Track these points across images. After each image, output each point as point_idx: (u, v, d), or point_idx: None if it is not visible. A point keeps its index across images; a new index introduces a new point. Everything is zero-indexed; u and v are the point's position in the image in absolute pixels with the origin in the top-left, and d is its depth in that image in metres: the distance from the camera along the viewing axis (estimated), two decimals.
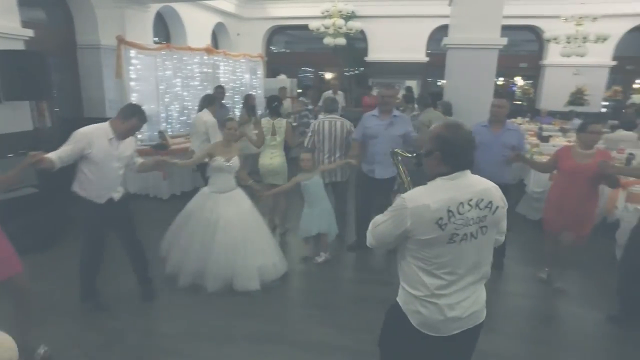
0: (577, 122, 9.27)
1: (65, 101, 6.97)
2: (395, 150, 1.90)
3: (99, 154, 3.01)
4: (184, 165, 3.94)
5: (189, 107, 8.00)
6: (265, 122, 4.93)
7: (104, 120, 3.21)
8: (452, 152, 1.63)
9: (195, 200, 3.83)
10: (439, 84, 12.77)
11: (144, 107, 3.28)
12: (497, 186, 1.73)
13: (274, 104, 5.00)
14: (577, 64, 10.39)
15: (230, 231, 3.63)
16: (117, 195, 3.25)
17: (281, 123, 4.93)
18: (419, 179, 1.76)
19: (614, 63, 10.83)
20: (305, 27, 9.58)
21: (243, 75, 9.89)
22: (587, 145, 3.50)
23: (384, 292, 3.80)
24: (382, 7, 11.17)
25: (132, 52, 6.60)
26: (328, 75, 14.35)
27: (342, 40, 9.46)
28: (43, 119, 5.54)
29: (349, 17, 9.62)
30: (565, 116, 9.96)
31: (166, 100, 7.39)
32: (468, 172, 1.67)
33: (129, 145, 3.24)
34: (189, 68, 7.89)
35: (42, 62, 5.07)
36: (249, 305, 3.52)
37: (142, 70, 6.80)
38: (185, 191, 6.30)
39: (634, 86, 11.80)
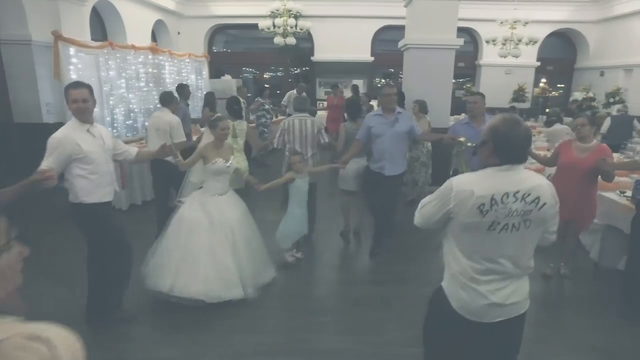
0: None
1: None
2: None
3: (90, 150, 2.86)
4: (181, 164, 3.55)
5: (135, 110, 7.42)
6: None
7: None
8: (505, 146, 1.67)
9: (193, 207, 3.45)
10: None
11: None
12: (550, 184, 1.76)
13: (235, 106, 4.77)
14: (508, 64, 11.27)
15: (243, 233, 3.48)
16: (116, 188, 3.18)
17: (242, 125, 4.72)
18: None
19: (538, 64, 11.93)
20: (246, 26, 9.34)
21: (189, 75, 9.40)
22: (580, 138, 3.66)
23: (380, 291, 3.80)
24: (326, 7, 11.24)
25: (72, 50, 5.94)
26: (266, 75, 14.16)
27: (292, 40, 9.35)
28: None
29: (297, 16, 9.54)
30: (503, 112, 10.71)
31: (111, 103, 6.76)
32: (521, 166, 1.70)
33: (105, 135, 3.06)
34: (133, 68, 7.30)
35: None
36: (248, 319, 3.29)
37: (82, 70, 6.14)
38: (147, 200, 5.77)
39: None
